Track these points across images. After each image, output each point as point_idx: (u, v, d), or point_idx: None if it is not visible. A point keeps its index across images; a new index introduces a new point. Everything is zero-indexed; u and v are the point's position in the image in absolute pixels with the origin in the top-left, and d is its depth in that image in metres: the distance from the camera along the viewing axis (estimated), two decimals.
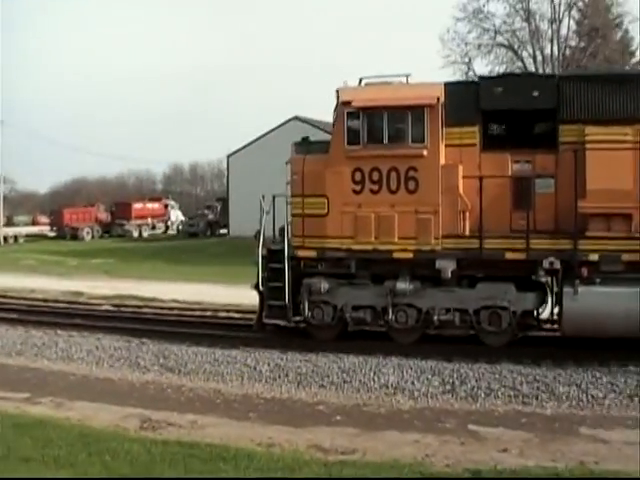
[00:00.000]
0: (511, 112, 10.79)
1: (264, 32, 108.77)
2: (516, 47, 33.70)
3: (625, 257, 10.29)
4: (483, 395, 9.17)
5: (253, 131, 42.15)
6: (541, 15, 32.84)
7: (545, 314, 11.35)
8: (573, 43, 34.70)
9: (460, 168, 10.75)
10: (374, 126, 10.78)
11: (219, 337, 12.21)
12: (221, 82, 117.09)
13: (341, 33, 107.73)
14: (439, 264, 10.71)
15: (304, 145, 11.85)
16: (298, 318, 11.73)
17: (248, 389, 9.68)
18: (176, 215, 54.21)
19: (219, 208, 44.40)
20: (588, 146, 10.41)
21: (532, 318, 11.12)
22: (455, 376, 9.80)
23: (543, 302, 11.05)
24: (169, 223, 53.46)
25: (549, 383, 9.44)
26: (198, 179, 78.55)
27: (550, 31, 32.78)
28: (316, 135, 39.10)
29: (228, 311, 15.30)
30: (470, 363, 10.23)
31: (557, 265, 10.40)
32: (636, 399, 8.90)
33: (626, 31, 36.09)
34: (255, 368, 10.43)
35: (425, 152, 10.60)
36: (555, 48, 33.17)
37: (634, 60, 37.60)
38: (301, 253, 11.30)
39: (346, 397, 9.31)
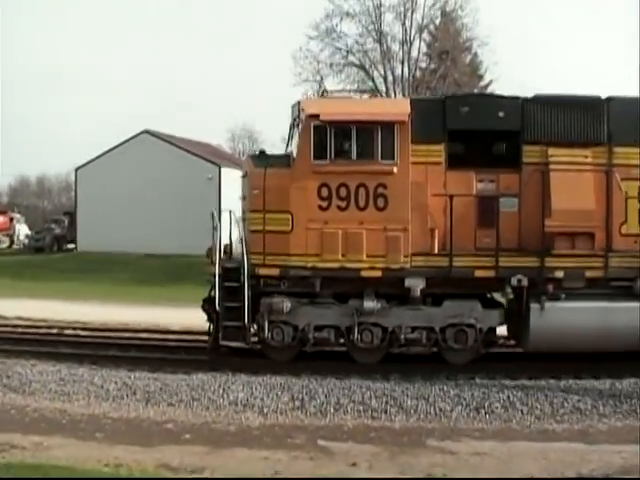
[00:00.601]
0: (476, 132, 11.07)
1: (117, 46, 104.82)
2: (367, 67, 34.71)
3: (588, 274, 10.90)
4: (332, 410, 9.43)
5: (102, 144, 42.69)
6: (392, 37, 34.12)
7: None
8: (424, 65, 36.26)
9: (429, 186, 11.05)
10: (342, 141, 10.71)
11: (65, 355, 11.92)
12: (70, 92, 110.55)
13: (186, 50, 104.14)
14: (408, 282, 10.79)
15: (262, 158, 11.54)
16: (254, 339, 11.39)
17: (95, 408, 9.57)
18: (21, 229, 51.52)
19: (67, 222, 43.52)
20: (552, 167, 10.96)
21: (495, 335, 11.40)
22: (304, 392, 9.96)
23: (505, 319, 11.43)
24: (14, 237, 50.99)
25: (397, 397, 9.78)
26: (46, 192, 76.03)
27: (401, 52, 34.08)
28: (170, 151, 38.64)
29: (75, 328, 15.09)
30: (319, 379, 10.48)
31: (525, 282, 10.78)
32: (482, 411, 9.42)
33: (475, 55, 38.31)
34: (102, 387, 10.28)
35: (395, 169, 10.67)
36: (406, 69, 34.45)
37: (482, 83, 39.57)
38: (262, 271, 10.94)
39: (195, 415, 9.35)
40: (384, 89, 33.27)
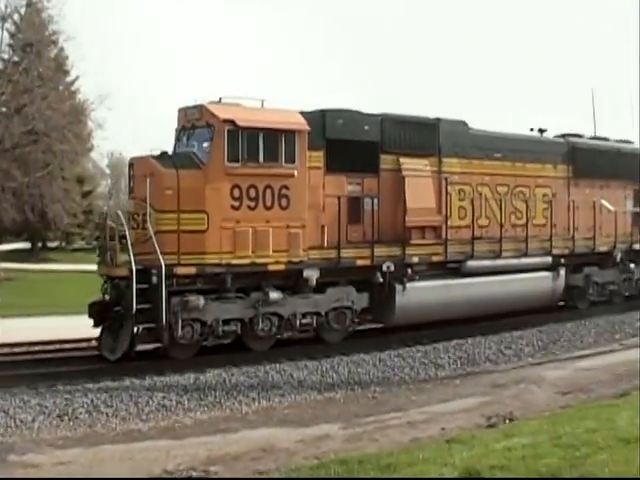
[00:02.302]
0: (347, 141, 13.75)
1: None
2: None
3: (434, 258, 14.72)
4: None
5: None
6: None
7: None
8: (6, 56, 37.26)
9: (320, 187, 13.64)
10: (252, 145, 12.31)
11: None
12: None
13: None
14: (306, 273, 13.03)
15: (167, 159, 12.46)
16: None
17: None
18: None
19: None
20: (404, 173, 14.63)
21: (366, 314, 14.54)
22: None
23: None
24: None
25: None
26: None
27: None
28: None
29: None
30: None
31: (392, 268, 14.02)
32: (66, 418, 9.99)
33: (61, 49, 40.36)
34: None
35: (295, 172, 12.72)
36: None
37: (69, 79, 42.73)
38: (180, 270, 11.95)
39: None
40: None
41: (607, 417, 8.95)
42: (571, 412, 10.04)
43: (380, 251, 13.95)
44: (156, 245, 11.82)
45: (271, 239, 12.69)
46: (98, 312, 12.54)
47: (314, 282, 13.25)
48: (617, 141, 19.54)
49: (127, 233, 11.96)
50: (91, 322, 12.62)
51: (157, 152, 12.77)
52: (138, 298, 11.71)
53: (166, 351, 12.44)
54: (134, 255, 11.78)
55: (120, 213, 12.34)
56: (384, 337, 14.76)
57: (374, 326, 15.29)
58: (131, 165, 12.98)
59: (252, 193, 12.54)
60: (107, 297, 12.67)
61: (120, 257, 12.33)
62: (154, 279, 11.74)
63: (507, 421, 9.85)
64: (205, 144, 12.57)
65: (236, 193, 12.40)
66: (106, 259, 12.51)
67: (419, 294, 14.36)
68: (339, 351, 13.71)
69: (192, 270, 12.18)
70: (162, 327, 11.87)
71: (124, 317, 11.99)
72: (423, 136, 14.88)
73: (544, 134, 17.98)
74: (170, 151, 13.21)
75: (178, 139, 13.21)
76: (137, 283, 11.73)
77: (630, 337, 16.43)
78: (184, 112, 13.14)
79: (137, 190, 12.53)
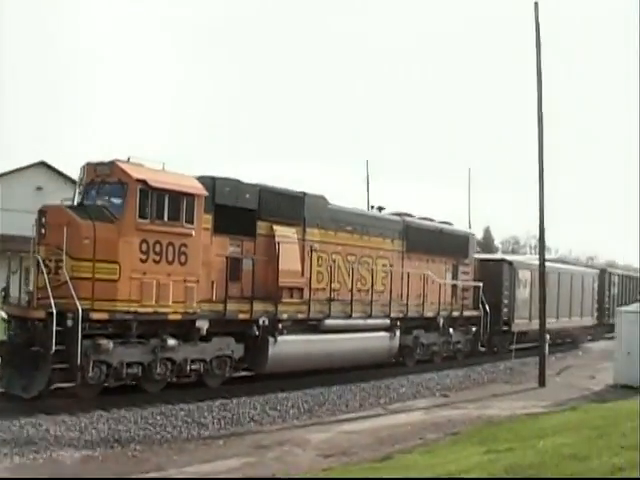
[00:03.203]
0: (232, 207, 16.22)
1: None
2: None
3: (299, 316, 17.48)
4: None
5: None
6: None
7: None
8: None
9: (209, 247, 16.10)
10: (160, 205, 14.33)
11: None
12: None
13: None
14: (199, 323, 15.11)
15: (83, 210, 14.11)
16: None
17: None
18: None
19: None
20: (277, 239, 17.44)
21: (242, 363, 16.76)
22: None
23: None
24: None
25: None
26: None
27: None
28: None
29: None
30: None
31: (267, 322, 16.60)
32: None
33: None
34: None
35: (193, 232, 14.87)
36: None
37: None
38: (95, 315, 13.49)
39: None
40: None
41: None
42: (333, 475, 10.62)
43: (257, 307, 16.46)
44: (72, 290, 13.42)
45: (171, 291, 14.81)
46: (8, 352, 13.75)
47: (204, 331, 15.50)
48: (439, 222, 24.26)
49: (46, 278, 13.53)
50: None
51: (67, 202, 14.65)
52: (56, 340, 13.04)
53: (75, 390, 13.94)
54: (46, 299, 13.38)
55: (40, 259, 13.82)
56: (147, 393, 15.17)
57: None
58: (43, 213, 14.25)
59: (157, 248, 14.56)
60: (11, 337, 13.99)
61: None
62: (69, 322, 13.31)
63: None
64: (116, 200, 14.46)
65: (144, 247, 14.34)
66: (20, 301, 13.89)
67: (288, 346, 16.98)
68: (98, 407, 14.04)
69: (105, 315, 13.78)
70: (76, 367, 13.31)
71: (39, 357, 13.22)
72: (292, 207, 17.81)
73: (382, 211, 22.19)
74: (72, 202, 15.05)
75: (86, 192, 14.95)
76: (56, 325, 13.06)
77: (394, 402, 17.80)
78: (93, 167, 14.88)
79: (50, 237, 13.93)
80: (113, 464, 11.40)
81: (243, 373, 17.60)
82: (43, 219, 14.29)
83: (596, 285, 33.22)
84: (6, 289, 14.66)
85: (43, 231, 14.25)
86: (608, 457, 8.66)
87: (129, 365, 14.49)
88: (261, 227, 17.19)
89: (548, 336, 22.75)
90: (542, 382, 21.33)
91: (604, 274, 35.78)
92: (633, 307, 23.24)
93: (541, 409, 17.26)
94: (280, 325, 17.10)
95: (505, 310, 25.40)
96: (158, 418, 13.97)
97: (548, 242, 42.00)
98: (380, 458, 11.73)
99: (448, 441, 13.33)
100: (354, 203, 22.96)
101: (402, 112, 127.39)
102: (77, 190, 15.54)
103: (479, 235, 59.88)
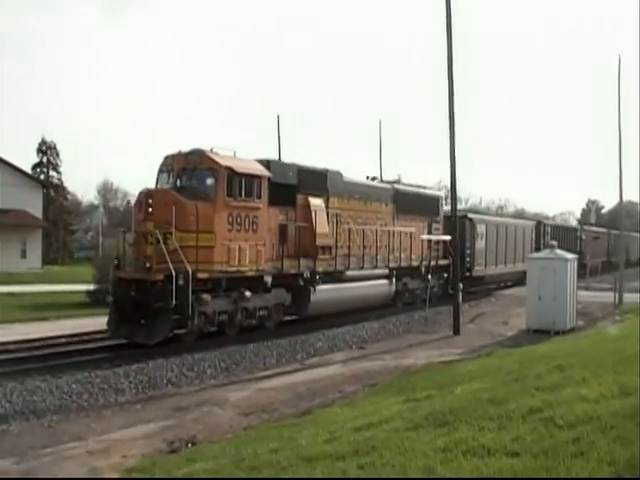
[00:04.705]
0: (281, 184, 20.79)
1: None
2: None
3: (329, 269, 22.51)
4: None
5: None
6: None
7: None
8: None
9: (270, 217, 20.60)
10: (240, 185, 18.66)
11: None
12: None
13: None
14: (265, 278, 19.90)
15: (185, 192, 18.12)
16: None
17: None
18: None
19: None
20: (312, 208, 22.20)
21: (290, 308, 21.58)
22: None
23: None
24: None
25: None
26: None
27: None
28: None
29: None
30: None
31: (308, 274, 21.75)
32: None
33: None
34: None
35: (261, 205, 19.43)
36: None
37: None
38: (200, 275, 17.76)
39: None
40: None
41: (289, 436, 9.51)
42: (254, 433, 10.77)
43: (302, 263, 21.52)
44: (182, 256, 17.77)
45: (248, 254, 19.45)
46: (123, 309, 17.89)
47: (270, 284, 20.36)
48: (417, 186, 29.63)
49: (163, 247, 17.73)
50: None
51: (166, 185, 18.92)
52: (169, 295, 17.23)
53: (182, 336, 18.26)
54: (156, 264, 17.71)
55: (158, 233, 17.96)
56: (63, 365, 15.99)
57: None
58: (149, 195, 18.18)
59: (238, 220, 19.04)
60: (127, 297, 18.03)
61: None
62: (180, 282, 17.60)
63: (190, 445, 10.60)
64: (209, 182, 18.74)
65: (230, 219, 18.75)
66: (137, 265, 18.10)
67: (323, 294, 22.01)
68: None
69: (206, 275, 18.26)
70: (187, 317, 17.76)
71: (162, 310, 17.27)
72: (320, 182, 22.58)
73: (375, 181, 27.31)
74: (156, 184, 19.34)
75: (179, 176, 19.11)
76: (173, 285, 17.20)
77: (311, 357, 19.05)
78: (184, 156, 19.15)
79: (157, 214, 17.94)
80: (29, 437, 11.44)
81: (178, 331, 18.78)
82: (150, 200, 18.15)
83: (534, 235, 39.71)
84: (119, 259, 18.76)
85: (150, 210, 18.04)
86: (524, 399, 8.87)
87: (219, 314, 19.03)
88: (300, 199, 21.83)
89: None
90: (457, 330, 23.12)
91: (540, 225, 42.54)
92: (544, 253, 25.32)
93: (457, 356, 18.35)
94: (317, 277, 21.98)
95: (468, 259, 31.28)
96: (74, 386, 14.36)
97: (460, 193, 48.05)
98: (300, 413, 12.23)
99: (367, 392, 13.91)
100: None
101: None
102: (164, 175, 19.57)
103: None
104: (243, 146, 20.20)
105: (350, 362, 18.05)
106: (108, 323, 18.59)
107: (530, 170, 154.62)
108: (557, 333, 22.26)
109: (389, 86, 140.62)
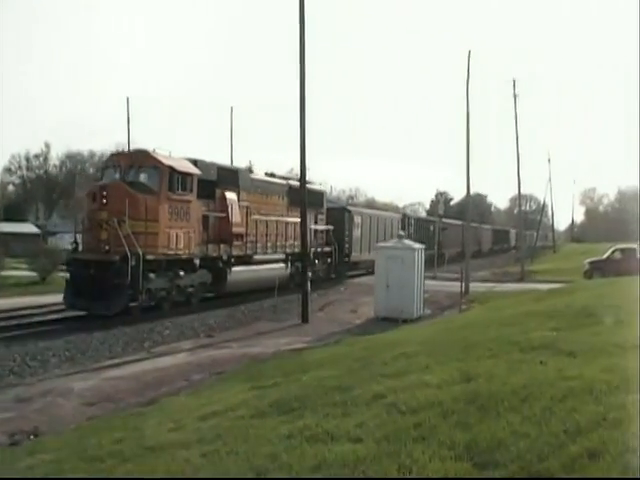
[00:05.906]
0: (204, 180, 25.03)
1: None
2: None
3: (241, 253, 27.25)
4: None
5: None
6: None
7: None
8: None
9: (196, 208, 24.81)
10: (178, 182, 22.80)
11: None
12: None
13: None
14: (195, 260, 24.17)
15: (135, 187, 21.99)
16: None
17: None
18: None
19: None
20: (228, 201, 26.55)
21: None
22: None
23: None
24: None
25: None
26: None
27: None
28: None
29: None
30: None
31: (226, 257, 26.15)
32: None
33: None
34: None
35: (192, 199, 23.74)
36: None
37: None
38: (148, 257, 21.60)
39: None
40: None
41: (134, 426, 9.45)
42: (98, 423, 10.68)
43: (222, 248, 26.08)
44: (134, 241, 21.83)
45: (182, 239, 23.76)
46: (81, 285, 21.72)
47: (198, 266, 24.77)
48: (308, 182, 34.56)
49: (120, 233, 21.63)
50: None
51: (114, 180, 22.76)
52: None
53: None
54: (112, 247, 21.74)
55: (115, 220, 21.78)
56: None
57: None
58: (104, 188, 22.03)
59: (176, 211, 23.30)
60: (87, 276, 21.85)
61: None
62: (133, 262, 21.65)
63: (32, 437, 10.38)
64: (153, 178, 22.76)
65: (170, 210, 22.97)
66: (99, 247, 21.82)
67: (237, 274, 26.65)
68: None
69: (152, 257, 22.39)
70: (139, 292, 21.96)
71: (119, 286, 21.20)
72: (233, 178, 27.14)
73: (274, 177, 32.13)
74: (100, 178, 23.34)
75: (125, 172, 22.94)
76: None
77: (158, 345, 18.95)
78: (129, 155, 23.31)
79: (111, 205, 21.84)
80: None
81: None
82: (104, 192, 22.09)
83: (400, 226, 45.79)
84: (76, 243, 22.60)
85: (104, 201, 21.93)
86: (369, 386, 9.01)
87: (160, 290, 23.29)
88: (218, 193, 26.29)
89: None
90: (305, 318, 23.72)
91: (405, 218, 48.95)
92: (391, 243, 26.67)
93: (305, 344, 18.75)
94: (232, 260, 26.65)
95: (347, 246, 36.77)
96: None
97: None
98: (146, 402, 12.23)
99: (214, 381, 13.99)
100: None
101: None
102: (111, 170, 23.48)
103: None
104: None
105: (198, 350, 18.24)
106: (64, 298, 22.25)
107: (380, 161, 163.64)
108: (405, 321, 22.60)
109: (241, 73, 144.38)
